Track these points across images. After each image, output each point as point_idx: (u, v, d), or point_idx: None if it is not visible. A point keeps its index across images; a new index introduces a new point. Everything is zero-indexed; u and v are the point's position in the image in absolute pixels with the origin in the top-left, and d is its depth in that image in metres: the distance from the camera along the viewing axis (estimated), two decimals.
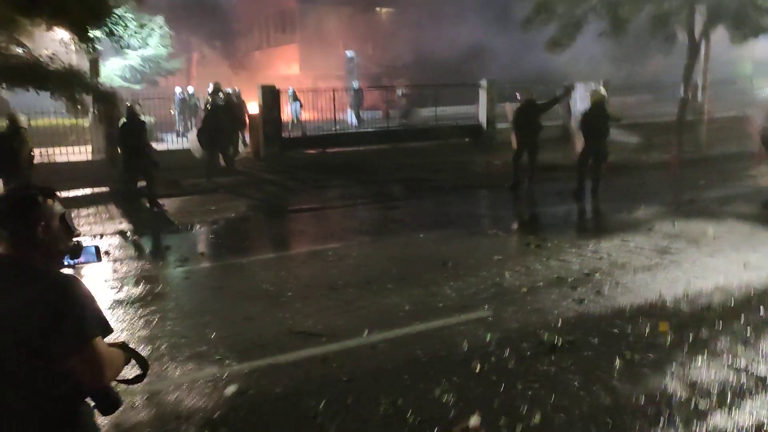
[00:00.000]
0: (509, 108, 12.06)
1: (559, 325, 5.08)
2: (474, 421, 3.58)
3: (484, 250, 7.62)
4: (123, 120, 10.90)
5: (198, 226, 9.71)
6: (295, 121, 20.27)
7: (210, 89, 15.48)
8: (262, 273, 7.18)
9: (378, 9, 36.18)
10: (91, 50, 14.44)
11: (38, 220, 1.95)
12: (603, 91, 10.45)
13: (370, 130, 19.03)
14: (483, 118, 18.39)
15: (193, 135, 16.63)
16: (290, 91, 20.02)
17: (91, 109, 13.89)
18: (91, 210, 10.95)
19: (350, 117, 25.43)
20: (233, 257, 8.03)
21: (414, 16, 30.84)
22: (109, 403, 1.98)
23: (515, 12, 17.63)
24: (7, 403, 1.84)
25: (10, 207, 1.96)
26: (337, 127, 17.46)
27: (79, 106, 12.80)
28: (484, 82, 18.23)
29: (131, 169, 10.80)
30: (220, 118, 13.46)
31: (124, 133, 10.66)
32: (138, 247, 8.83)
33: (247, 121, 16.01)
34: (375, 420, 3.72)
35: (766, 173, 12.23)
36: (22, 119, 10.00)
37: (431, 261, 7.17)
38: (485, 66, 22.05)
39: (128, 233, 9.43)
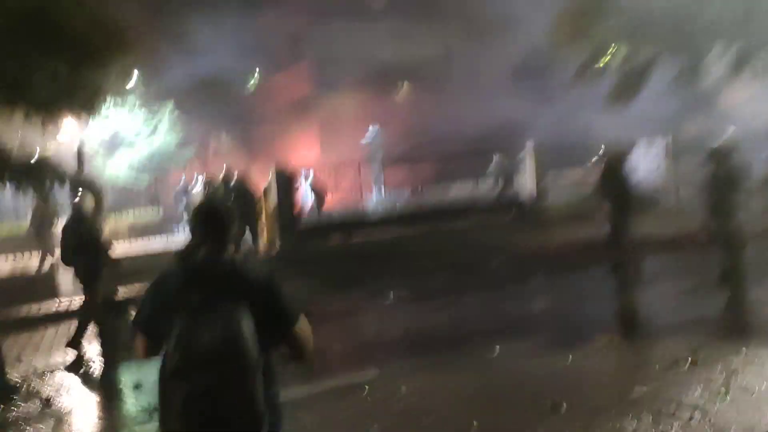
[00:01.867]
0: (590, 170, 9.54)
1: None
2: None
3: (608, 375, 4.97)
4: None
5: None
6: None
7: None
8: None
9: (399, 84, 34.91)
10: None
11: (232, 223, 2.45)
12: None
13: (398, 211, 16.65)
14: (531, 189, 15.97)
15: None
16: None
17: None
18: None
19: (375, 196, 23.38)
20: None
21: (439, 87, 29.34)
22: None
23: (554, 71, 15.67)
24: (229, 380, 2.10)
25: (215, 213, 2.44)
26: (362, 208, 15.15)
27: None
28: (528, 147, 15.95)
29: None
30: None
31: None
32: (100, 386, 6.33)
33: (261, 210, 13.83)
34: None
35: None
36: None
37: (529, 400, 4.54)
38: (523, 135, 19.89)
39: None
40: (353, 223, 14.52)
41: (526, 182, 16.04)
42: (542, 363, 5.46)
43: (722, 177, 6.63)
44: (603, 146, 8.62)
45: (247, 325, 2.13)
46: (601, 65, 12.34)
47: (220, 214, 2.42)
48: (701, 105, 15.59)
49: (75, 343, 6.95)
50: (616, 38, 11.76)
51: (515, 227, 14.96)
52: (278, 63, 33.18)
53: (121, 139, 19.81)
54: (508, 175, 16.39)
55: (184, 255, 2.36)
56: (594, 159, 9.05)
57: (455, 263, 11.29)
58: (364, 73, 30.88)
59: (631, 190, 7.92)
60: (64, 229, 7.04)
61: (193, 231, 2.41)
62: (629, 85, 12.02)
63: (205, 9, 25.08)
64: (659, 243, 9.87)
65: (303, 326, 2.34)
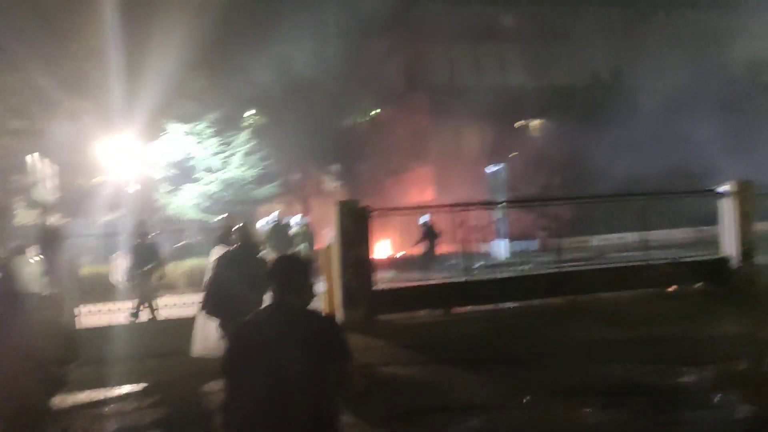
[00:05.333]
0: None
1: None
2: None
3: None
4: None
5: None
6: None
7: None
8: None
9: (527, 121, 30.03)
10: None
11: (305, 274, 2.69)
12: None
13: (524, 270, 11.59)
14: (731, 247, 10.46)
15: None
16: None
17: None
18: None
19: (500, 249, 18.61)
20: None
21: (583, 118, 24.13)
22: None
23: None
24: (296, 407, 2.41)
25: (287, 266, 2.69)
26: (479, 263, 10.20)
27: None
28: (730, 187, 10.53)
29: None
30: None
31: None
32: None
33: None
34: None
35: None
36: None
37: None
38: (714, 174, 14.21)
39: None
40: (452, 288, 9.70)
41: (725, 236, 10.55)
42: None
43: None
44: None
45: (330, 373, 2.47)
46: None
47: (302, 266, 2.70)
48: None
49: None
50: None
51: (710, 302, 9.52)
52: (391, 93, 29.57)
53: (189, 171, 16.69)
54: None
55: (266, 307, 2.67)
56: None
57: (634, 374, 6.28)
58: (491, 103, 26.30)
59: None
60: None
61: (276, 282, 2.60)
62: None
63: (309, 28, 22.03)
64: None
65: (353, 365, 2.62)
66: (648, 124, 23.24)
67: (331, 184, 26.97)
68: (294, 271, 2.62)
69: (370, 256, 9.03)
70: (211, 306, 5.33)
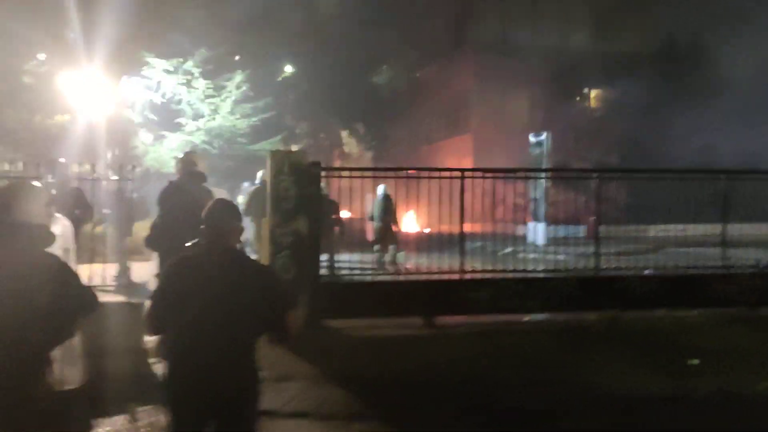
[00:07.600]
0: None
1: None
2: None
3: None
4: None
5: None
6: None
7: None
8: None
9: (584, 90, 26.51)
10: None
11: (237, 218, 2.77)
12: None
13: (548, 267, 8.44)
14: None
15: None
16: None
17: None
18: None
19: (536, 234, 15.69)
20: None
21: (642, 97, 20.69)
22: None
23: None
24: (235, 339, 2.53)
25: (221, 209, 2.73)
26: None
27: None
28: None
29: None
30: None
31: None
32: None
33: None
34: None
35: None
36: None
37: None
38: None
39: None
40: (440, 289, 6.86)
41: None
42: None
43: None
44: None
45: (262, 314, 2.58)
46: None
47: (234, 211, 2.76)
48: None
49: None
50: None
51: None
52: (434, 49, 26.39)
53: (174, 116, 14.20)
54: None
55: (202, 246, 2.68)
56: None
57: None
58: (546, 66, 22.97)
59: None
60: None
61: (209, 223, 2.65)
62: None
63: None
64: None
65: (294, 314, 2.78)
66: (731, 102, 19.61)
67: (358, 147, 24.15)
68: (227, 215, 2.67)
69: (318, 234, 6.29)
70: (150, 240, 5.18)
